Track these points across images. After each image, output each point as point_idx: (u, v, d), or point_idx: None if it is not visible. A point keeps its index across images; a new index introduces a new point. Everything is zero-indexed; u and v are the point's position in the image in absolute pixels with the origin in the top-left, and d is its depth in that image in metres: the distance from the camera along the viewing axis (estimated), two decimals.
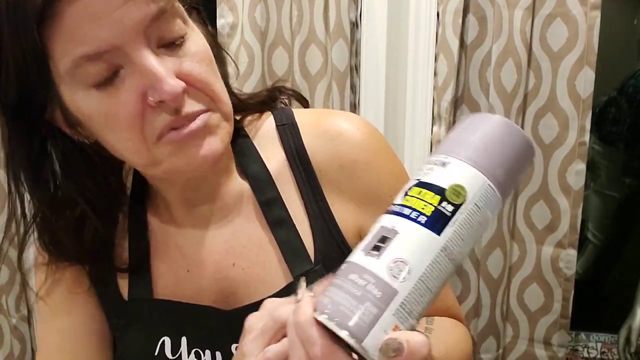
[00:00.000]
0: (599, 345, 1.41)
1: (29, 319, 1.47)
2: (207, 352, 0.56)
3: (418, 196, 0.39)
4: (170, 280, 0.59)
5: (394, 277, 0.37)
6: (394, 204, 0.40)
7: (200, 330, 0.57)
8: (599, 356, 1.41)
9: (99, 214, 0.55)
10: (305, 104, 0.65)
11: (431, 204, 0.38)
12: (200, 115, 0.47)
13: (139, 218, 0.60)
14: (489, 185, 0.40)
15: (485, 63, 1.19)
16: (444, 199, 0.39)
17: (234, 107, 0.52)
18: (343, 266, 0.39)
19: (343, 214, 0.57)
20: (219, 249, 0.58)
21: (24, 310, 1.45)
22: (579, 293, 1.26)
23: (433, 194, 0.39)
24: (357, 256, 0.38)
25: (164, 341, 0.57)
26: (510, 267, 1.27)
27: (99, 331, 0.61)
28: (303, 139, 0.58)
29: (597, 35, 1.12)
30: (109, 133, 0.48)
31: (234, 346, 0.55)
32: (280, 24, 1.26)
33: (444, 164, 0.40)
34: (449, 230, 0.38)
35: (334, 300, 0.37)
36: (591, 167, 1.50)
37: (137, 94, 0.45)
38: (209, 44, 0.51)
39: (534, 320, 1.28)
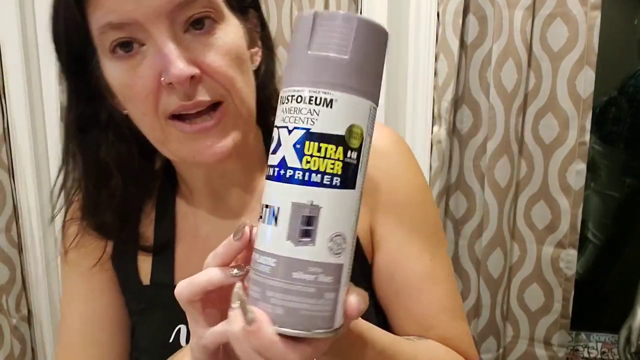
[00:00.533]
0: (599, 345, 1.41)
1: (29, 319, 1.47)
2: None
3: (319, 154, 0.34)
4: (192, 268, 0.60)
5: (336, 254, 0.35)
6: (286, 167, 0.34)
7: None
8: (599, 356, 1.41)
9: (131, 188, 0.57)
10: None
11: (337, 159, 0.34)
12: (215, 112, 0.49)
13: (167, 203, 0.62)
14: (373, 107, 0.36)
15: (486, 63, 1.19)
16: (346, 148, 0.34)
17: (273, 106, 0.54)
18: (268, 263, 0.35)
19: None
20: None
21: (24, 310, 1.45)
22: (579, 293, 1.25)
23: (334, 146, 0.34)
24: (287, 249, 0.34)
25: (179, 329, 0.58)
26: (510, 267, 1.27)
27: (118, 317, 0.63)
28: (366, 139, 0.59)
29: (597, 35, 1.12)
30: (130, 105, 0.50)
31: None
32: (280, 24, 1.26)
33: (329, 103, 0.34)
34: (359, 179, 0.36)
35: (290, 307, 0.34)
36: (591, 167, 1.50)
37: (154, 71, 0.47)
38: (251, 42, 0.53)
39: (534, 320, 1.28)
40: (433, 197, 0.90)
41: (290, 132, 0.34)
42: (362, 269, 0.59)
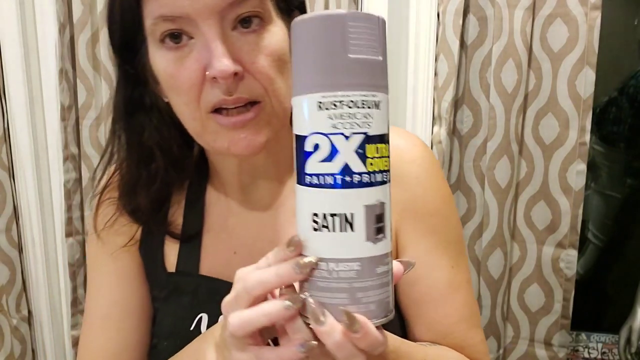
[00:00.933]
0: (600, 345, 1.41)
1: (29, 320, 1.47)
2: None
3: (378, 155, 0.35)
4: (217, 259, 0.61)
5: (391, 239, 0.38)
6: (351, 173, 0.35)
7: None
8: (599, 356, 1.41)
9: (170, 172, 0.59)
10: None
11: (387, 156, 0.36)
12: (253, 107, 0.50)
13: (198, 192, 0.63)
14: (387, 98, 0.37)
15: (486, 63, 1.19)
16: (388, 143, 0.37)
17: None
18: (352, 268, 0.36)
19: None
20: (268, 236, 0.60)
21: (25, 310, 1.45)
22: (579, 293, 1.25)
23: (384, 145, 0.36)
24: (368, 249, 0.36)
25: (201, 317, 0.59)
26: (510, 267, 1.27)
27: (142, 303, 0.64)
28: None
29: (597, 36, 1.12)
30: (172, 94, 0.52)
31: None
32: None
33: (377, 105, 0.35)
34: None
35: (379, 300, 0.36)
36: (592, 167, 1.50)
37: (199, 64, 0.49)
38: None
39: (534, 321, 1.28)
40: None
41: (347, 137, 0.34)
42: None
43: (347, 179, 0.35)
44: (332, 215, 0.35)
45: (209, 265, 0.61)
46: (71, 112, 1.37)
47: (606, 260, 1.64)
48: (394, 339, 0.47)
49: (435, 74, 1.21)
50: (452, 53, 1.17)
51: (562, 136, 1.18)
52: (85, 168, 1.39)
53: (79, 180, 1.41)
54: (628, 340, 1.22)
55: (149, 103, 0.58)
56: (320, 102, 0.35)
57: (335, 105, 0.34)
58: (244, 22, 0.49)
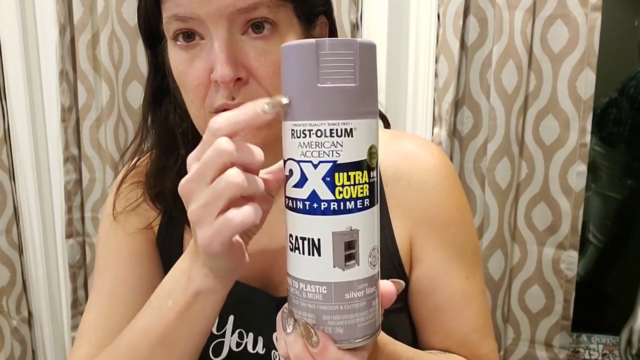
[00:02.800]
0: (601, 347, 1.41)
1: (29, 321, 1.47)
2: (251, 334, 0.58)
3: (349, 183, 0.35)
4: None
5: (374, 265, 0.37)
6: (319, 200, 0.35)
7: (249, 312, 0.59)
8: (600, 358, 1.41)
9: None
10: (386, 123, 0.69)
11: (364, 182, 0.36)
12: None
13: None
14: (376, 121, 0.37)
15: (486, 64, 1.19)
16: (369, 169, 0.36)
17: None
18: (319, 291, 0.36)
19: (401, 228, 0.60)
20: (281, 237, 0.60)
21: (25, 312, 1.45)
22: (580, 294, 1.25)
23: (360, 172, 0.35)
24: (336, 275, 0.36)
25: None
26: (511, 268, 1.27)
27: (150, 288, 0.64)
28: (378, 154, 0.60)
29: (597, 37, 1.12)
30: (182, 91, 0.54)
31: (274, 335, 0.57)
32: None
33: (350, 132, 0.35)
34: (379, 190, 0.38)
35: (347, 325, 0.37)
36: (592, 169, 1.50)
37: (207, 65, 0.50)
38: None
39: (535, 322, 1.28)
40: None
41: (315, 166, 0.35)
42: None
43: (315, 205, 0.35)
44: (302, 238, 0.36)
45: None
46: (71, 114, 1.37)
47: (607, 262, 1.64)
48: (406, 354, 0.48)
49: (436, 75, 1.21)
50: (452, 54, 1.17)
51: (562, 137, 1.18)
52: (86, 169, 1.39)
53: (79, 181, 1.41)
54: (629, 342, 1.22)
55: (172, 93, 0.60)
56: (293, 130, 0.36)
57: (304, 133, 0.35)
58: (256, 27, 0.50)
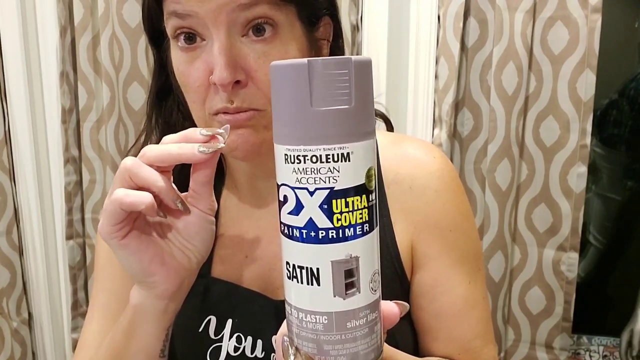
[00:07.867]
0: (601, 348, 1.41)
1: (29, 323, 1.47)
2: (249, 338, 0.58)
3: (348, 209, 0.33)
4: (229, 262, 0.61)
5: (375, 290, 0.36)
6: (317, 229, 0.33)
7: (247, 316, 0.58)
8: (600, 359, 1.41)
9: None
10: (389, 126, 0.69)
11: (363, 207, 0.34)
12: (251, 111, 0.51)
13: (215, 194, 0.64)
14: (373, 141, 0.35)
15: (486, 66, 1.19)
16: (367, 192, 0.34)
17: None
18: (319, 321, 0.35)
19: (402, 232, 0.59)
20: (279, 241, 0.60)
21: (25, 313, 1.45)
22: (580, 296, 1.25)
23: (359, 197, 0.33)
24: (336, 304, 0.34)
25: (210, 319, 0.59)
26: (511, 270, 1.27)
27: None
28: (380, 157, 0.60)
29: (598, 38, 1.12)
30: (184, 91, 0.54)
31: (274, 338, 0.56)
32: None
33: (347, 157, 0.33)
34: (378, 212, 0.36)
35: (350, 353, 0.35)
36: (592, 170, 1.50)
37: (207, 67, 0.50)
38: (315, 53, 0.55)
39: (535, 324, 1.28)
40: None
41: (312, 193, 0.33)
42: (402, 286, 0.60)
43: (312, 234, 0.33)
44: (300, 267, 0.34)
45: (221, 267, 0.61)
46: (72, 115, 1.37)
47: (607, 263, 1.64)
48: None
49: (436, 77, 1.21)
50: (452, 56, 1.17)
51: (562, 139, 1.18)
52: (86, 170, 1.39)
53: (79, 182, 1.41)
54: (629, 344, 1.22)
55: (175, 91, 0.60)
56: (286, 155, 0.34)
57: (299, 159, 0.33)
58: (257, 30, 0.49)
